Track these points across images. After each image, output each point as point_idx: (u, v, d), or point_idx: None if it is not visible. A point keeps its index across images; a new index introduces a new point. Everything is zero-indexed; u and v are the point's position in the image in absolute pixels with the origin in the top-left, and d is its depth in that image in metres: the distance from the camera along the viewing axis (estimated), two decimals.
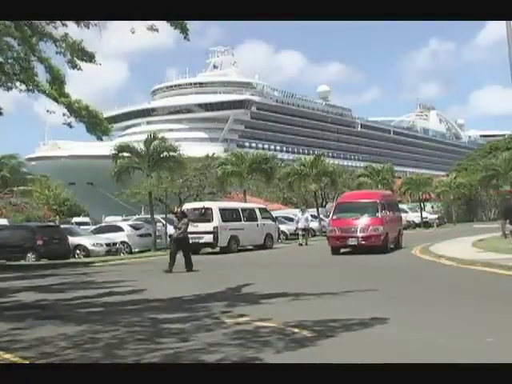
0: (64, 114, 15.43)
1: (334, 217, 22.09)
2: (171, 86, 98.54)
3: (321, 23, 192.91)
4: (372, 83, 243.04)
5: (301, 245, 28.77)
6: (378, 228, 21.03)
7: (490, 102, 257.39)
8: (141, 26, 12.11)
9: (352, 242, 20.96)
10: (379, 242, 20.86)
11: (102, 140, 17.20)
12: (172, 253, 17.45)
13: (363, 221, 21.26)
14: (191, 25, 12.85)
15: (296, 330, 7.47)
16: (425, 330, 7.43)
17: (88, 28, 12.89)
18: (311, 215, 39.44)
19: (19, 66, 14.17)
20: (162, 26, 12.54)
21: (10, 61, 14.09)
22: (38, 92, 15.02)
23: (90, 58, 14.38)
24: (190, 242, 25.53)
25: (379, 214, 21.48)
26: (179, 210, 18.18)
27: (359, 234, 20.94)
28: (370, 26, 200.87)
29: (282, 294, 10.96)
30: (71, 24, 13.24)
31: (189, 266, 17.20)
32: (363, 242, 20.79)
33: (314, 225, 36.98)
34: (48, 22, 13.22)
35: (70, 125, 15.75)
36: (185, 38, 12.84)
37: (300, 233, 29.74)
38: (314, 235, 35.83)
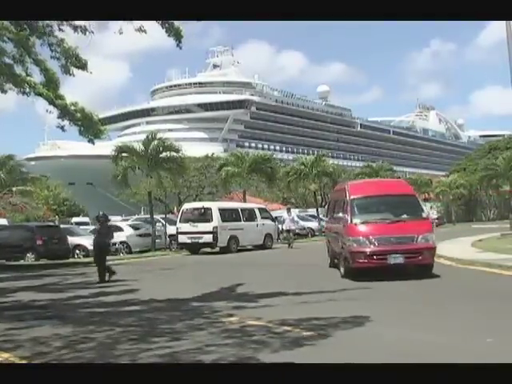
0: (58, 117, 15.41)
1: (356, 220, 13.80)
2: (171, 86, 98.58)
3: (322, 23, 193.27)
4: (373, 83, 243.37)
5: (290, 248, 26.92)
6: (429, 237, 13.66)
7: (491, 102, 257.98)
8: (131, 26, 12.15)
9: (395, 259, 13.21)
10: (431, 258, 13.71)
11: (93, 143, 17.07)
12: (96, 261, 15.65)
13: (407, 226, 13.73)
14: (193, 25, 12.89)
15: (296, 330, 7.47)
16: (425, 330, 7.43)
17: (84, 34, 12.91)
18: (310, 215, 39.57)
19: (15, 67, 14.17)
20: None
21: (7, 60, 14.09)
22: (35, 94, 15.00)
23: (83, 65, 14.42)
24: (190, 241, 25.83)
25: (425, 214, 14.68)
26: (100, 213, 15.85)
27: (406, 247, 13.33)
28: (372, 27, 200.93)
29: (281, 293, 10.96)
30: (68, 30, 13.28)
31: (109, 273, 15.13)
32: (413, 259, 13.43)
33: (314, 225, 37.03)
34: (45, 25, 13.24)
35: (62, 128, 15.72)
36: (177, 45, 12.76)
37: (285, 235, 28.38)
38: (314, 235, 35.88)
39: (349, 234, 13.76)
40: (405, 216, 14.08)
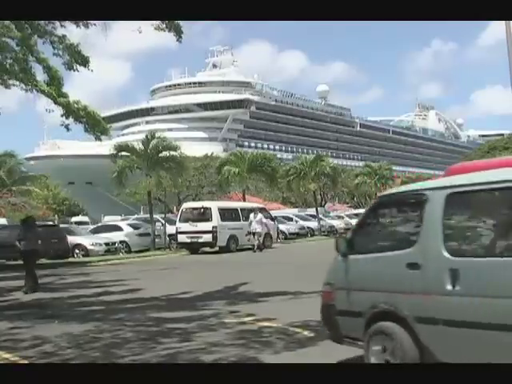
0: (62, 115, 15.35)
1: None
2: (170, 86, 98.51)
3: (322, 23, 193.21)
4: (373, 83, 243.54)
5: (254, 251, 25.03)
6: None
7: (491, 101, 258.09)
8: (130, 26, 12.15)
9: None
10: None
11: (100, 140, 16.99)
12: (27, 269, 14.19)
13: None
14: (193, 25, 12.93)
15: (297, 330, 7.47)
16: None
17: (87, 28, 12.88)
18: (309, 215, 39.55)
19: (18, 65, 14.12)
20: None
21: (8, 61, 14.05)
22: (37, 92, 14.96)
23: (84, 62, 14.36)
24: (189, 241, 25.81)
25: None
26: (28, 217, 13.85)
27: None
28: (372, 27, 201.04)
29: (281, 293, 10.95)
30: (70, 25, 13.24)
31: (31, 283, 13.74)
32: None
33: (313, 224, 37.07)
34: (47, 22, 13.20)
35: (67, 127, 15.64)
36: (177, 40, 12.82)
37: (251, 237, 25.78)
38: (313, 234, 35.91)
39: None
40: None
